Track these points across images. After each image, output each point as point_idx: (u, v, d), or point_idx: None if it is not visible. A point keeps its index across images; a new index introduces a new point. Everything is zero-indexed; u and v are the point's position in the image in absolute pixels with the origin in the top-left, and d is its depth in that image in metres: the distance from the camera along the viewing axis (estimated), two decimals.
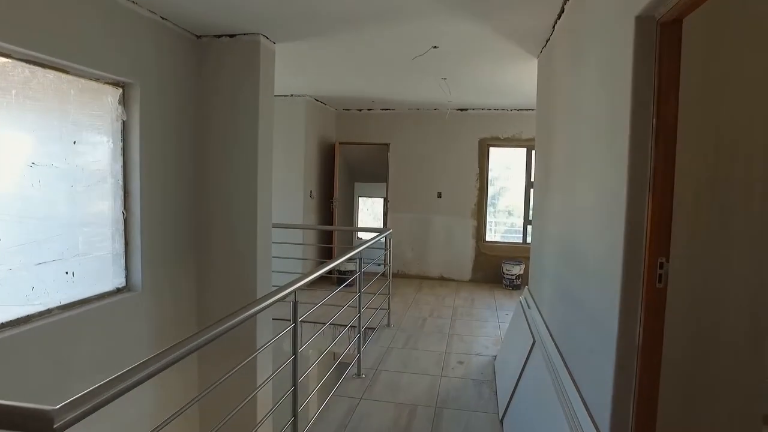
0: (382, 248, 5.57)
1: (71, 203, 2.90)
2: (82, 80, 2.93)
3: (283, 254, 5.64)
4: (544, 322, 3.13)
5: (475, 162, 7.48)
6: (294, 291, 2.40)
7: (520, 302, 4.16)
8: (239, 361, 2.25)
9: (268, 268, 4.30)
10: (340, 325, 5.13)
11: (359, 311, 3.97)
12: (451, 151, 7.55)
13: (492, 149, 7.57)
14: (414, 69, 4.86)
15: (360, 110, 7.82)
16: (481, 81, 5.44)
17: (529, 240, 7.47)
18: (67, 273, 2.87)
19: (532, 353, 3.06)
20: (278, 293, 2.25)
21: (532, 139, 7.22)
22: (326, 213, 7.44)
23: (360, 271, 3.92)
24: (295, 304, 2.44)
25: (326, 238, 7.45)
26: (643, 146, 1.55)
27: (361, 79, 5.60)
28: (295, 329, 2.45)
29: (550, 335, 2.88)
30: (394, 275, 7.70)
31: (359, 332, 3.96)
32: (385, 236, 5.13)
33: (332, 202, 7.24)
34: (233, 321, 1.87)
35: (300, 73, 5.47)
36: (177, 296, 3.88)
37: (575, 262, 2.42)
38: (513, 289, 7.02)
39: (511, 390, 3.12)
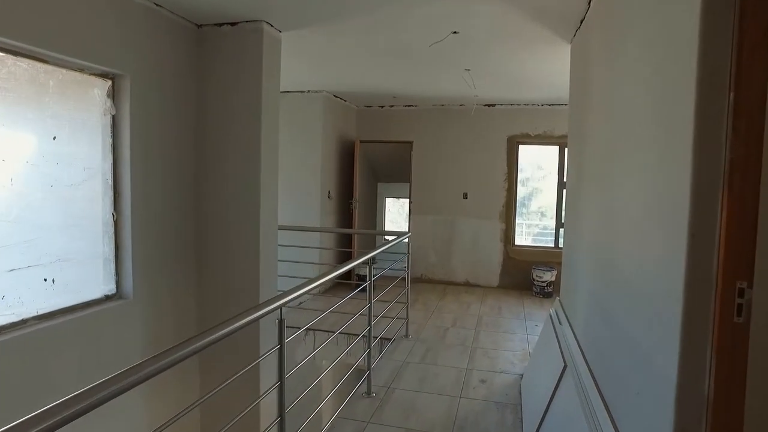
0: (404, 252, 5.23)
1: (50, 204, 2.66)
2: (63, 71, 2.69)
3: (297, 258, 5.36)
4: (578, 343, 2.70)
5: (504, 161, 7.03)
6: (280, 307, 2.06)
7: (550, 315, 3.73)
8: (243, 370, 1.97)
9: (273, 273, 4.00)
10: (354, 335, 4.81)
11: (369, 323, 3.62)
12: (477, 149, 7.12)
13: (522, 147, 7.10)
14: (434, 59, 4.48)
15: (382, 107, 7.48)
16: (507, 72, 5.01)
17: (562, 245, 6.98)
18: (45, 280, 2.63)
19: (564, 379, 2.64)
20: (259, 309, 1.92)
21: (566, 136, 6.71)
22: (346, 215, 7.13)
23: (371, 279, 3.57)
24: (281, 323, 2.10)
25: (345, 241, 7.14)
26: (714, 130, 1.15)
27: (379, 72, 5.26)
28: (281, 352, 2.11)
29: (585, 361, 2.46)
30: (417, 280, 7.33)
31: (369, 347, 3.61)
32: (405, 240, 4.76)
33: (351, 203, 6.92)
34: (194, 346, 1.56)
35: (315, 67, 5.17)
36: (174, 304, 3.62)
37: (615, 279, 2.01)
38: (544, 297, 6.53)
39: (539, 420, 2.71)
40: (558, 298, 3.86)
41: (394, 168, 8.43)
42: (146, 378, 1.36)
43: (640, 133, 1.77)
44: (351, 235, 6.98)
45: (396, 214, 11.85)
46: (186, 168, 3.66)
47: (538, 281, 6.57)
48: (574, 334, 2.85)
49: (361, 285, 6.25)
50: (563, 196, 6.90)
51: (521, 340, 4.82)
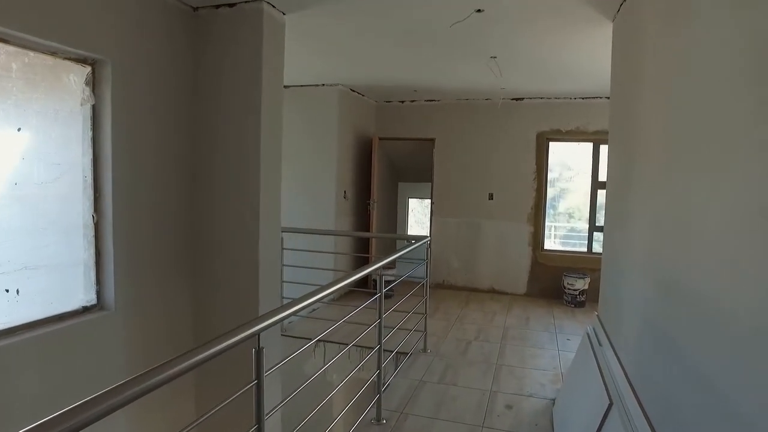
0: (423, 258, 4.82)
1: (14, 204, 2.34)
2: (30, 53, 2.38)
3: (308, 263, 5.00)
4: (626, 376, 2.24)
5: (533, 159, 6.52)
6: (257, 334, 1.67)
7: (587, 334, 3.25)
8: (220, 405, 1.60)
9: (275, 280, 3.65)
10: (368, 348, 4.43)
11: (379, 341, 3.21)
12: (504, 146, 6.63)
13: (552, 144, 6.58)
14: (456, 44, 4.05)
15: (402, 102, 7.07)
16: (537, 59, 4.53)
17: (596, 249, 6.44)
18: (8, 291, 2.32)
19: (609, 420, 2.18)
20: (229, 337, 1.54)
21: (602, 132, 6.20)
22: (363, 216, 6.74)
23: (380, 291, 3.17)
24: (259, 352, 1.71)
25: (363, 244, 6.75)
26: None
27: (396, 61, 4.84)
28: (258, 388, 1.72)
29: (637, 399, 2.01)
30: (439, 286, 6.90)
31: (379, 368, 3.20)
32: (423, 245, 4.34)
33: (369, 204, 6.53)
34: (162, 375, 1.21)
35: (326, 56, 4.80)
36: (166, 315, 3.29)
37: (686, 305, 1.55)
38: (576, 306, 6.01)
39: None
40: (596, 314, 3.38)
41: (416, 167, 8.01)
42: (125, 402, 1.19)
43: (727, 122, 1.31)
44: (368, 238, 6.59)
45: (421, 215, 11.42)
46: (179, 166, 3.32)
47: (569, 289, 6.05)
48: (621, 363, 2.38)
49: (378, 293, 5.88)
50: (598, 198, 6.36)
51: (552, 357, 4.34)
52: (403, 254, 3.95)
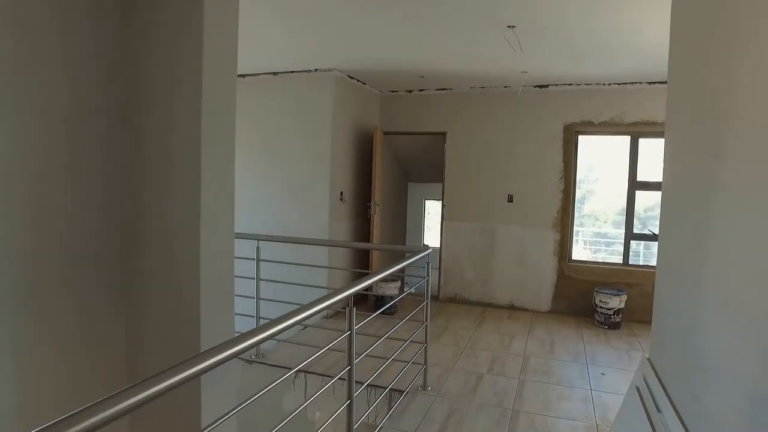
0: (423, 275, 4.00)
1: None
2: None
3: (296, 276, 4.27)
4: None
5: (559, 155, 5.64)
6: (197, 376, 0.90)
7: (636, 388, 2.40)
8: None
9: (226, 301, 2.89)
10: (358, 383, 3.67)
11: (350, 386, 2.43)
12: (526, 141, 5.77)
13: (582, 138, 5.69)
14: (465, 10, 3.24)
15: (409, 92, 6.27)
16: (564, 33, 3.69)
17: (634, 261, 5.52)
18: None
19: None
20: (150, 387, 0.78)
21: (642, 123, 5.29)
22: (363, 221, 5.96)
23: (352, 328, 2.39)
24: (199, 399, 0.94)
25: (361, 254, 5.97)
26: None
27: (395, 36, 4.06)
28: None
29: None
30: (450, 301, 6.08)
31: (349, 419, 2.41)
32: (424, 257, 3.54)
33: (370, 207, 5.75)
34: None
35: (315, 35, 4.04)
36: (87, 348, 2.57)
37: None
38: (609, 328, 5.11)
39: None
40: (647, 358, 2.52)
41: (428, 165, 7.20)
42: None
43: None
44: (367, 246, 5.81)
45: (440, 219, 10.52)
46: (92, 156, 2.59)
47: (602, 308, 5.16)
48: None
49: (382, 305, 5.10)
50: (635, 200, 5.45)
51: (583, 400, 3.48)
52: (395, 270, 3.16)
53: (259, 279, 4.18)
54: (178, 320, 2.68)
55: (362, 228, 5.95)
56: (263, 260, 4.18)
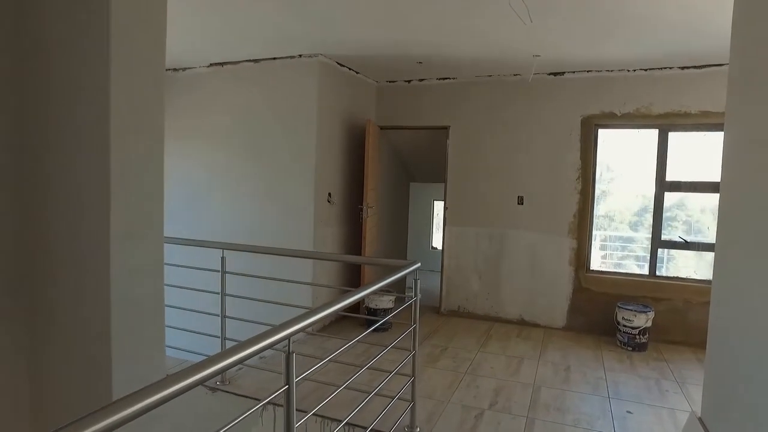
0: (408, 294, 3.41)
1: None
2: None
3: (275, 293, 3.71)
4: None
5: (576, 151, 4.99)
6: None
7: None
8: None
9: (151, 328, 2.30)
10: (336, 420, 3.10)
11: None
12: (538, 136, 5.12)
13: (602, 132, 5.02)
14: None
15: (408, 81, 5.66)
16: (585, 3, 3.05)
17: (664, 272, 4.85)
18: None
19: None
20: None
21: (673, 114, 4.60)
22: (355, 225, 5.36)
23: (290, 378, 1.79)
24: None
25: (354, 265, 5.37)
26: None
27: (384, 9, 3.46)
28: None
29: None
30: (454, 314, 5.47)
31: None
32: (411, 272, 2.92)
33: (361, 210, 5.15)
34: None
35: (296, 10, 3.46)
36: None
37: None
38: (634, 350, 4.44)
39: None
40: (697, 416, 1.88)
41: (432, 164, 6.59)
42: None
43: None
44: (359, 252, 5.21)
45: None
46: None
47: (625, 326, 4.49)
48: None
49: (374, 321, 4.51)
50: (663, 203, 4.77)
51: None
52: (374, 290, 2.56)
53: (224, 294, 3.61)
54: (85, 355, 2.12)
55: (354, 234, 5.35)
56: (230, 272, 3.61)
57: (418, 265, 2.94)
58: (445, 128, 5.50)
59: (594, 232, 5.17)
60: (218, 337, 3.66)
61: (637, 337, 4.42)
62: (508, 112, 5.22)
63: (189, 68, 5.26)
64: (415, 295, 2.95)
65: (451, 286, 5.55)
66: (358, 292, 2.35)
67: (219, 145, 5.16)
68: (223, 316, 3.63)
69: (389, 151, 6.36)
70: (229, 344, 3.67)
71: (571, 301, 5.06)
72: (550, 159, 5.07)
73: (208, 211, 5.25)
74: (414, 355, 3.01)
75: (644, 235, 6.04)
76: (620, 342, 4.55)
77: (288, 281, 3.52)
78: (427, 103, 5.58)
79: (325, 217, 4.88)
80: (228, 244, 3.61)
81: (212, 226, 5.17)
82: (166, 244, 2.35)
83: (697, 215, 6.14)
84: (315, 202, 4.70)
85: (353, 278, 5.33)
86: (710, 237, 5.03)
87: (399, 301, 5.53)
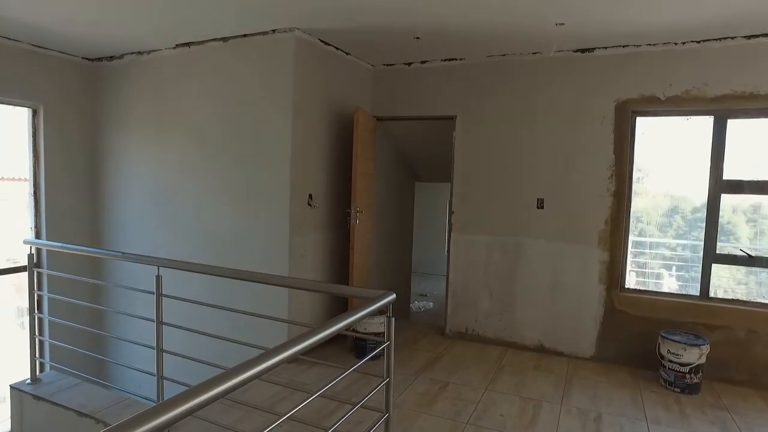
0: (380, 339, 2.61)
1: None
2: None
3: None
4: None
5: (608, 144, 4.11)
6: None
7: None
8: None
9: None
10: None
11: None
12: (562, 126, 4.26)
13: (641, 120, 4.13)
14: None
15: (408, 64, 4.85)
16: None
17: (717, 294, 3.95)
18: None
19: None
20: None
21: (733, 97, 3.65)
22: (345, 231, 4.57)
23: None
24: None
25: (342, 279, 4.59)
26: None
27: None
28: None
29: None
30: (461, 337, 4.67)
31: None
32: (382, 307, 2.11)
33: (349, 215, 4.36)
34: None
35: None
36: None
37: None
38: (683, 392, 3.55)
39: None
40: None
41: (438, 160, 5.76)
42: None
43: None
44: (348, 267, 4.42)
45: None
46: None
47: (671, 361, 3.59)
48: None
49: (364, 347, 3.76)
50: (719, 207, 3.86)
51: None
52: (333, 332, 1.77)
53: (160, 323, 2.87)
54: None
55: (344, 241, 4.57)
56: (168, 296, 2.87)
57: (392, 298, 2.14)
58: (452, 118, 4.68)
59: (630, 239, 4.27)
60: (153, 375, 2.93)
61: (688, 376, 3.53)
62: (526, 98, 4.37)
63: (154, 51, 4.57)
64: (388, 339, 2.14)
65: (457, 304, 4.72)
66: (311, 336, 1.58)
67: (184, 139, 4.45)
68: (159, 350, 2.90)
69: (390, 147, 5.56)
70: (168, 386, 2.95)
71: (601, 326, 4.18)
72: (577, 154, 4.20)
73: (169, 214, 4.55)
74: (388, 384, 2.18)
75: (688, 244, 5.09)
76: (665, 381, 3.65)
77: (230, 309, 2.75)
78: (430, 90, 4.76)
79: (304, 223, 4.12)
80: (164, 260, 2.87)
81: (170, 236, 4.50)
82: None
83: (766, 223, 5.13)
84: (291, 205, 3.94)
85: (335, 300, 4.56)
86: None
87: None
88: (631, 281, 4.32)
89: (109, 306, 4.93)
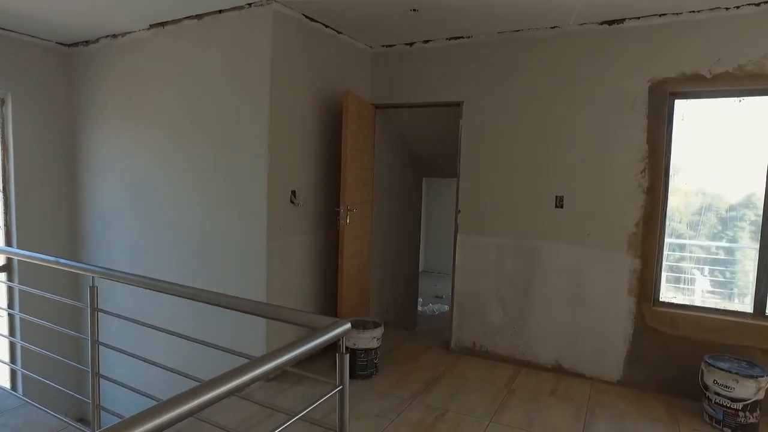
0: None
1: None
2: None
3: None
4: None
5: (641, 132, 3.48)
6: None
7: None
8: None
9: None
10: None
11: None
12: (585, 111, 3.65)
13: (680, 103, 3.48)
14: None
15: (410, 45, 4.31)
16: None
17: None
18: None
19: None
20: None
21: None
22: (332, 233, 4.06)
23: None
24: None
25: (332, 288, 4.09)
26: None
27: None
28: None
29: None
30: (467, 353, 4.12)
31: None
32: (331, 340, 1.60)
33: (339, 214, 3.84)
34: None
35: None
36: None
37: None
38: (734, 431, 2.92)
39: None
40: None
41: (448, 154, 5.19)
42: None
43: None
44: (338, 274, 3.91)
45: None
46: None
47: (719, 394, 2.96)
48: None
49: (352, 363, 3.23)
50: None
51: None
52: (268, 369, 1.27)
53: (96, 341, 2.42)
54: None
55: (330, 242, 4.07)
56: (104, 311, 2.42)
57: (345, 328, 1.63)
58: (458, 105, 4.12)
59: (666, 241, 3.63)
60: (88, 401, 2.49)
61: (741, 414, 2.89)
62: (543, 80, 3.77)
63: (129, 33, 4.15)
64: (341, 382, 1.62)
65: (464, 315, 4.17)
66: (243, 374, 1.10)
67: (157, 129, 4.02)
68: (95, 374, 2.45)
69: (393, 139, 5.03)
70: (105, 416, 2.50)
71: (631, 346, 3.56)
72: (603, 144, 3.59)
73: (146, 211, 4.15)
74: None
75: (730, 247, 4.40)
76: (710, 417, 3.02)
77: (169, 332, 2.26)
78: (434, 73, 4.21)
79: (287, 223, 3.63)
80: (98, 270, 2.41)
81: (151, 232, 4.10)
82: None
83: None
84: (270, 203, 3.45)
85: (327, 302, 4.07)
86: None
87: (388, 338, 4.25)
88: (667, 293, 3.67)
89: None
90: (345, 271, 3.80)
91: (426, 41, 4.20)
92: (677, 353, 3.38)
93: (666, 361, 3.42)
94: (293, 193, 3.66)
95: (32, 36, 4.30)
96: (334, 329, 1.60)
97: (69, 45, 4.56)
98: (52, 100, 4.49)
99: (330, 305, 4.07)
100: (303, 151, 3.78)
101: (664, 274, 3.58)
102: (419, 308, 8.18)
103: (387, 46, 4.40)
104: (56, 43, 4.49)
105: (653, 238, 3.46)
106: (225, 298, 1.98)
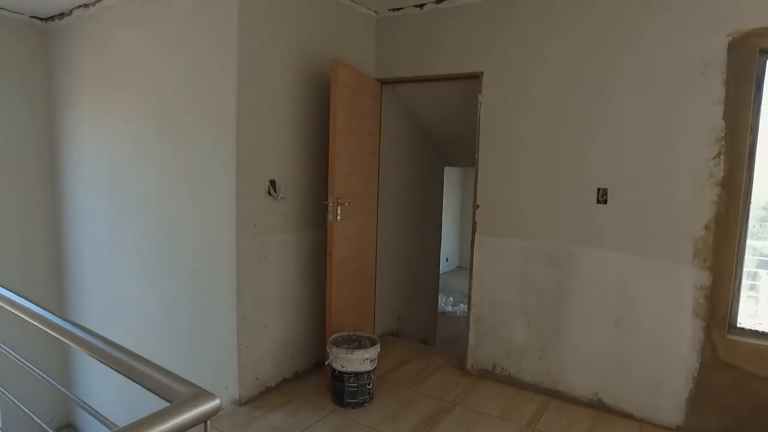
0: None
1: None
2: None
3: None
4: None
5: (715, 105, 2.63)
6: None
7: None
8: None
9: None
10: None
11: None
12: (635, 80, 2.84)
13: None
14: None
15: (420, 6, 3.59)
16: None
17: None
18: None
19: None
20: None
21: None
22: (323, 232, 3.43)
23: None
24: None
25: (319, 305, 3.47)
26: None
27: None
28: None
29: None
30: (485, 376, 3.44)
31: None
32: (192, 422, 0.98)
33: (327, 208, 3.20)
34: None
35: None
36: None
37: None
38: None
39: None
40: None
41: (468, 138, 4.45)
42: None
43: None
44: (326, 291, 3.28)
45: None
46: None
47: None
48: None
49: (341, 390, 2.66)
50: None
51: None
52: None
53: None
54: None
55: (320, 241, 3.44)
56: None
57: (213, 405, 0.98)
58: (476, 76, 3.37)
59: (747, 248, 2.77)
60: None
61: None
62: (581, 44, 2.97)
63: (97, 1, 3.66)
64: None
65: (482, 332, 3.46)
66: None
67: (129, 111, 3.52)
68: None
69: (406, 121, 4.34)
70: None
71: (695, 384, 2.75)
72: (660, 122, 2.77)
73: (120, 205, 3.67)
74: None
75: None
76: None
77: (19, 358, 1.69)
78: (450, 40, 3.48)
79: (263, 219, 3.03)
80: None
81: (128, 229, 3.65)
82: None
83: None
84: (239, 194, 2.86)
85: (322, 314, 3.45)
86: None
87: (394, 353, 3.61)
88: (746, 318, 2.81)
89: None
90: (335, 276, 3.17)
91: (438, 1, 3.48)
92: (762, 398, 2.54)
93: (746, 408, 2.59)
94: (272, 183, 3.06)
95: (3, 8, 3.89)
96: (195, 407, 0.96)
97: (45, 19, 4.13)
98: (27, 84, 4.08)
99: (315, 323, 3.46)
100: (287, 134, 3.17)
101: (743, 293, 2.72)
102: (449, 309, 7.48)
103: (394, 10, 3.71)
104: (31, 17, 4.07)
105: (729, 246, 2.62)
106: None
